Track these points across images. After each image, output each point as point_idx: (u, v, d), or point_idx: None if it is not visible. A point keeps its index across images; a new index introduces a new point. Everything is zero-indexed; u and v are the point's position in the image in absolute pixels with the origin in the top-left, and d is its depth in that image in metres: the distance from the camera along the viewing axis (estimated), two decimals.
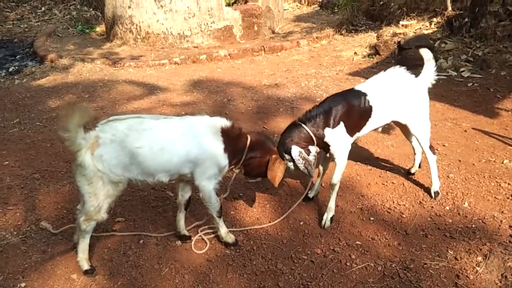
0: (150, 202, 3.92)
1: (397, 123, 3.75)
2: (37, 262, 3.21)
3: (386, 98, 3.50)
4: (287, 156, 3.30)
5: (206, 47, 9.19)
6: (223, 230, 3.30)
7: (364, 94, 3.44)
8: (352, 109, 3.40)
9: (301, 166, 3.27)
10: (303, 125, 3.34)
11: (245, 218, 3.69)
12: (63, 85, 7.33)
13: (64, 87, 7.19)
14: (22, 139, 5.25)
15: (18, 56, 9.51)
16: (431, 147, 3.76)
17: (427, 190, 3.87)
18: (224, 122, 3.11)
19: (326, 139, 3.37)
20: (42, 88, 7.24)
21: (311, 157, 3.33)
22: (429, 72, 3.68)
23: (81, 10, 12.31)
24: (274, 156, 3.23)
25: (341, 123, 3.37)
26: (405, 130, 3.89)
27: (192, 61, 8.52)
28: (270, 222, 3.60)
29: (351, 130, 3.44)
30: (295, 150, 3.25)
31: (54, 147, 4.99)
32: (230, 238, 3.32)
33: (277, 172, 3.21)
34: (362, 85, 3.58)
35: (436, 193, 3.78)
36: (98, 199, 2.88)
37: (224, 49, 8.84)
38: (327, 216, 3.51)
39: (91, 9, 12.38)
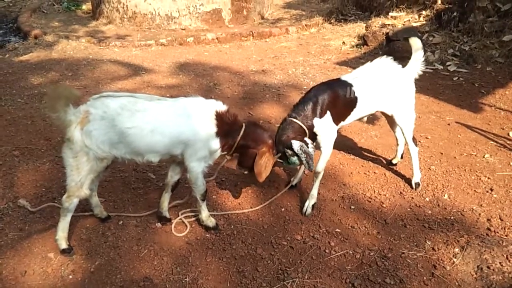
0: (131, 184, 3.89)
1: (383, 113, 3.77)
2: (14, 240, 3.17)
3: (372, 88, 3.51)
4: (289, 152, 3.26)
5: (194, 30, 9.08)
6: (204, 213, 3.29)
7: (350, 84, 3.44)
8: (337, 98, 3.40)
9: (304, 160, 3.23)
10: (294, 119, 3.33)
11: (226, 202, 3.68)
12: (46, 62, 7.19)
13: (47, 64, 7.05)
14: (2, 116, 5.14)
15: (1, 31, 9.33)
16: (413, 139, 3.78)
17: (408, 181, 3.90)
18: (219, 106, 3.07)
19: (315, 129, 3.37)
20: (24, 64, 7.09)
21: (311, 149, 3.29)
22: (417, 62, 3.68)
23: None
24: (263, 149, 3.13)
25: (328, 113, 3.37)
26: (390, 120, 3.91)
27: (179, 43, 8.42)
28: (251, 207, 3.60)
29: (337, 119, 3.45)
30: (296, 144, 3.22)
31: (34, 125, 4.90)
32: (211, 222, 3.31)
33: (263, 167, 3.13)
34: (348, 75, 3.58)
35: (417, 184, 3.81)
36: (80, 174, 2.85)
37: (212, 33, 8.74)
38: (309, 203, 3.52)
39: None
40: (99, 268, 2.96)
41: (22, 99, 5.66)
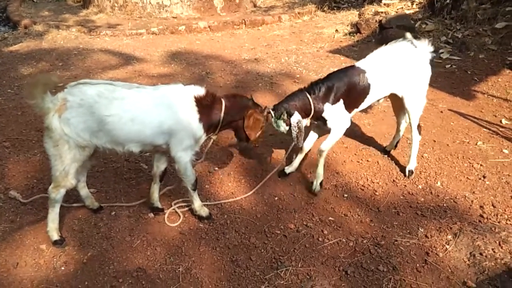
0: (123, 174, 3.86)
1: (392, 96, 3.73)
2: (5, 232, 3.14)
3: (387, 73, 3.51)
4: (285, 117, 3.34)
5: (186, 18, 9.00)
6: (197, 203, 3.28)
7: (363, 71, 3.44)
8: (353, 87, 3.43)
9: (294, 134, 3.34)
10: (308, 95, 3.38)
11: (219, 192, 3.67)
12: (37, 52, 7.11)
13: (38, 54, 6.98)
14: None
15: None
16: (418, 126, 3.77)
17: (401, 168, 3.90)
18: (197, 90, 3.03)
19: (324, 114, 3.42)
20: (14, 54, 7.01)
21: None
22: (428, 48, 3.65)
23: None
24: (249, 112, 3.15)
25: (341, 101, 3.41)
26: (397, 104, 3.88)
27: (171, 32, 8.34)
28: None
29: (350, 107, 3.49)
30: (295, 118, 3.32)
31: (25, 115, 4.85)
32: (204, 212, 3.30)
33: (253, 128, 3.17)
34: (363, 61, 3.56)
35: (410, 172, 3.81)
36: (63, 163, 2.82)
37: (204, 21, 8.67)
38: (316, 182, 3.58)
39: None
40: (92, 259, 2.95)
41: (12, 89, 5.59)
